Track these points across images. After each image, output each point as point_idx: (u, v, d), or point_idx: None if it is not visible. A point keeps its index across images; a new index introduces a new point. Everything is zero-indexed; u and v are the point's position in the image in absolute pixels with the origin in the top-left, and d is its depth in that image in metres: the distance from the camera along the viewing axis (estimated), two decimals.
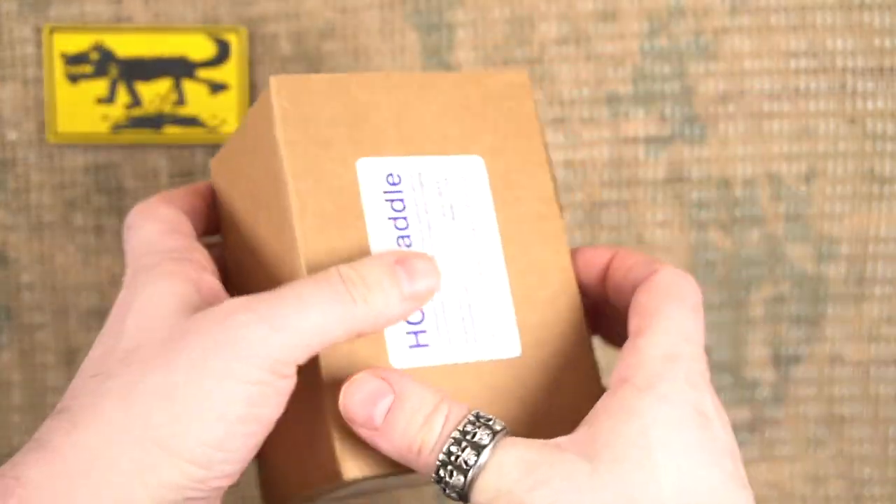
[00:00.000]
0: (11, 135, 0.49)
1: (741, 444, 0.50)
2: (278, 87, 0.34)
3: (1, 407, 0.50)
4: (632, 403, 0.29)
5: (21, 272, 0.50)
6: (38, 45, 0.49)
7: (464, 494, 0.29)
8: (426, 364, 0.33)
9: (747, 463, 0.50)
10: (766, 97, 0.49)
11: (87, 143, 0.49)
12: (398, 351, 0.33)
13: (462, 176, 0.36)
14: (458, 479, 0.28)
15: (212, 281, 0.33)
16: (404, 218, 0.35)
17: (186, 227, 0.36)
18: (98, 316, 0.50)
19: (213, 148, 0.49)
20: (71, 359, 0.50)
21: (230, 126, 0.48)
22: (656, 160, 0.49)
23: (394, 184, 0.35)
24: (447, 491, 0.29)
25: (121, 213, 0.49)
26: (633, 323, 0.32)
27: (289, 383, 0.30)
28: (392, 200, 0.35)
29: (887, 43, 0.48)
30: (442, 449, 0.29)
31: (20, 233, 0.49)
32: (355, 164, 0.34)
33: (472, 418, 0.29)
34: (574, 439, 0.29)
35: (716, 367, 0.50)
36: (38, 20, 0.49)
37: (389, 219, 0.35)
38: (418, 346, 0.33)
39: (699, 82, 0.49)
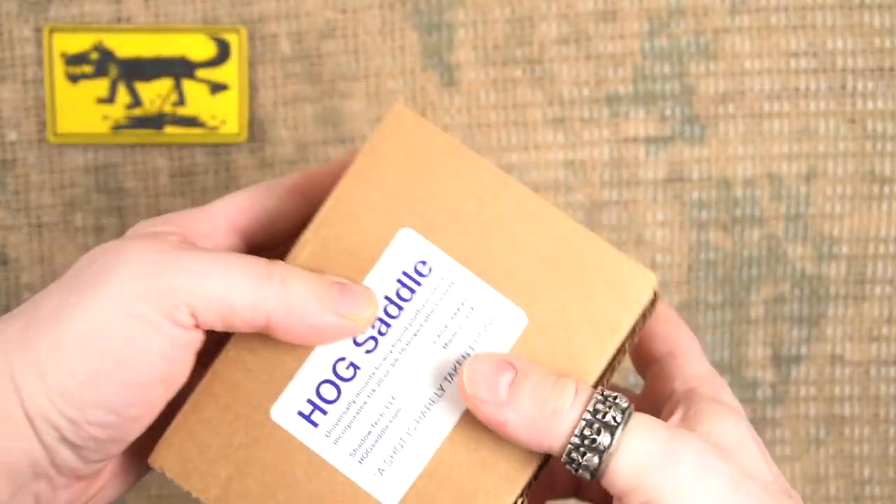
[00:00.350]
0: (11, 135, 0.49)
1: None
2: (394, 118, 0.32)
3: None
4: (720, 410, 0.31)
5: (21, 272, 0.50)
6: (39, 45, 0.49)
7: (597, 474, 0.28)
8: (299, 438, 0.31)
9: None
10: (766, 97, 0.49)
11: (87, 143, 0.49)
12: (285, 405, 0.31)
13: (492, 318, 0.31)
14: (592, 460, 0.28)
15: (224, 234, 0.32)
16: (400, 307, 0.32)
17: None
18: None
19: (213, 148, 0.49)
20: None
21: (230, 126, 0.48)
22: (656, 160, 0.49)
23: (419, 273, 0.32)
24: (579, 471, 0.29)
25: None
26: (661, 344, 0.34)
27: (181, 337, 0.29)
28: (403, 285, 0.32)
29: (887, 43, 0.48)
30: (575, 428, 0.28)
31: (20, 233, 0.49)
32: (398, 230, 0.32)
33: (600, 397, 0.29)
34: (686, 430, 0.30)
35: (716, 367, 0.50)
36: (38, 20, 0.49)
37: (385, 297, 0.31)
38: (306, 417, 0.31)
39: (699, 82, 0.49)
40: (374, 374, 0.32)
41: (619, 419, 0.28)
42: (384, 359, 0.32)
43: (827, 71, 0.49)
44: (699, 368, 0.33)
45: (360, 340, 0.32)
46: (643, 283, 0.31)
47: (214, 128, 0.48)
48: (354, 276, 0.31)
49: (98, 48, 0.48)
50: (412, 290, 0.32)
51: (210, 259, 0.29)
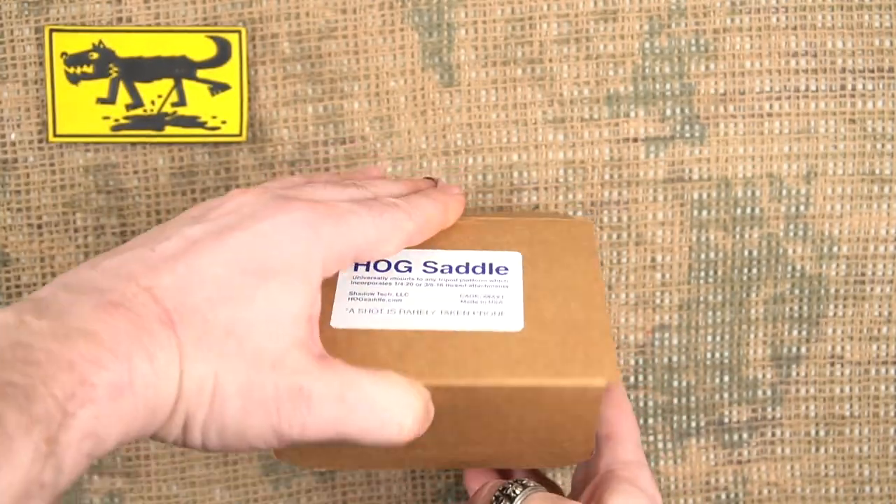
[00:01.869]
0: (12, 135, 0.49)
1: (741, 443, 0.50)
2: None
3: None
4: (627, 492, 0.36)
5: (21, 272, 0.50)
6: (39, 45, 0.49)
7: None
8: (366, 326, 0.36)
9: (748, 463, 0.51)
10: (766, 97, 0.49)
11: (87, 143, 0.49)
12: (339, 312, 0.36)
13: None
14: None
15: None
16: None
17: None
18: None
19: (213, 148, 0.49)
20: None
21: (230, 126, 0.48)
22: (656, 160, 0.49)
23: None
24: None
25: (121, 213, 0.49)
26: (603, 426, 0.40)
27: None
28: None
29: (887, 43, 0.48)
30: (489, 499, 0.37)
31: (20, 233, 0.49)
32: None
33: (511, 482, 0.36)
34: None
35: (716, 367, 0.50)
36: (39, 20, 0.49)
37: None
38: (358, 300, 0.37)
39: (699, 82, 0.49)
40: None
41: (517, 492, 0.36)
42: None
43: (827, 71, 0.49)
44: (627, 455, 0.38)
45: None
46: (584, 222, 0.40)
47: (215, 128, 0.48)
48: None
49: (98, 48, 0.48)
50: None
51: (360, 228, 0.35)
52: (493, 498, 0.36)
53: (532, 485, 0.36)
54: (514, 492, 0.36)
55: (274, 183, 0.38)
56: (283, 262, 0.32)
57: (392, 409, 0.32)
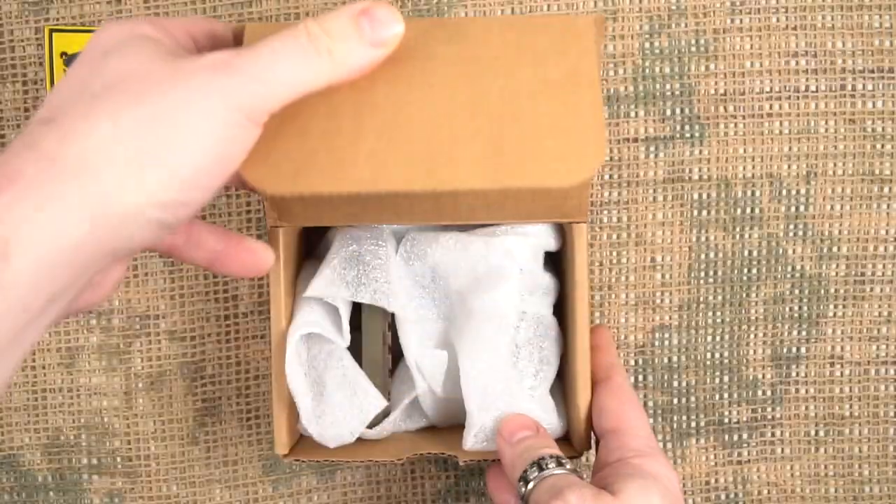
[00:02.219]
0: (12, 135, 0.49)
1: (741, 443, 0.50)
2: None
3: (1, 407, 0.50)
4: (635, 477, 0.37)
5: None
6: (39, 45, 0.49)
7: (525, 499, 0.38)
8: None
9: (748, 463, 0.51)
10: (766, 97, 0.49)
11: None
12: None
13: None
14: (519, 487, 0.39)
15: (186, 39, 0.36)
16: None
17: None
18: (98, 316, 0.50)
19: None
20: (71, 359, 0.50)
21: None
22: (656, 160, 0.49)
23: None
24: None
25: None
26: (607, 420, 0.41)
27: (257, 131, 0.34)
28: None
29: (887, 43, 0.48)
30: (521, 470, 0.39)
31: None
32: None
33: (549, 457, 0.38)
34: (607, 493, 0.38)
35: (716, 367, 0.50)
36: (39, 21, 0.49)
37: None
38: None
39: (699, 82, 0.49)
40: None
41: (549, 466, 0.38)
42: None
43: (827, 71, 0.49)
44: (636, 443, 0.39)
45: None
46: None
47: None
48: None
49: None
50: None
51: (270, 57, 0.34)
52: (530, 465, 0.38)
53: (571, 467, 0.38)
54: (546, 465, 0.38)
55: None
56: None
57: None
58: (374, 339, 0.43)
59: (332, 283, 0.42)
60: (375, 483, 0.51)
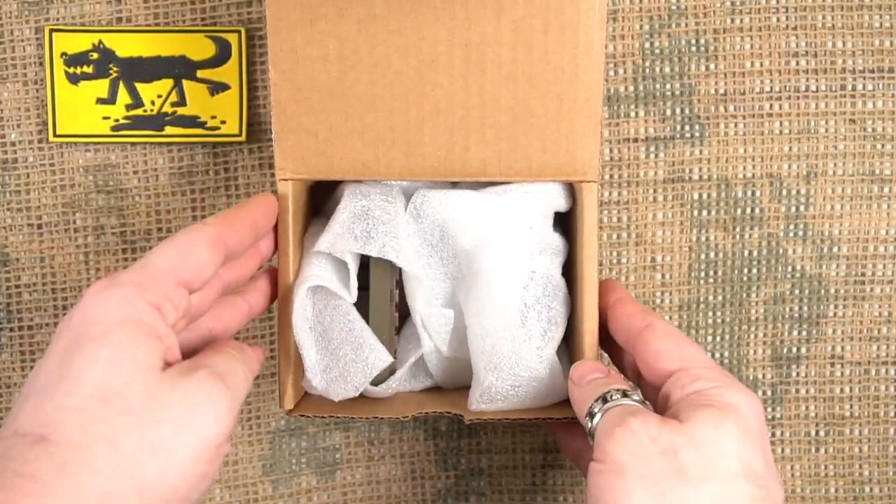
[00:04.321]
0: (12, 135, 0.49)
1: None
2: None
3: (1, 407, 0.50)
4: (705, 408, 0.36)
5: (21, 272, 0.50)
6: (39, 45, 0.49)
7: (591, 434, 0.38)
8: None
9: None
10: (767, 97, 0.49)
11: (87, 143, 0.49)
12: None
13: None
14: (587, 422, 0.38)
15: (170, 337, 0.35)
16: None
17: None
18: None
19: (212, 148, 0.49)
20: None
21: (230, 126, 0.48)
22: (656, 160, 0.49)
23: None
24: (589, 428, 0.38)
25: (121, 213, 0.49)
26: (670, 361, 0.39)
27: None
28: None
29: (887, 43, 0.48)
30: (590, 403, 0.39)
31: (20, 233, 0.49)
32: None
33: (614, 390, 0.38)
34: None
35: None
36: (39, 20, 0.49)
37: None
38: None
39: (699, 82, 0.49)
40: None
41: (616, 398, 0.38)
42: None
43: (827, 71, 0.49)
44: (712, 373, 0.38)
45: None
46: None
47: (214, 128, 0.48)
48: None
49: (98, 48, 0.48)
50: None
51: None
52: (596, 399, 0.38)
53: (639, 398, 0.38)
54: (611, 397, 0.38)
55: None
56: None
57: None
58: (381, 296, 0.43)
59: (340, 237, 0.42)
60: (375, 483, 0.51)
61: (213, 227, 0.38)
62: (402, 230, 0.43)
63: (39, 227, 0.49)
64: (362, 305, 0.43)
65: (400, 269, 0.43)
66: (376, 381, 0.43)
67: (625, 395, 0.38)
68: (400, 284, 0.44)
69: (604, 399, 0.37)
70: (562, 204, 0.43)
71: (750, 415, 0.36)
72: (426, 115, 0.41)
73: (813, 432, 0.50)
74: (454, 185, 0.44)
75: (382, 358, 0.41)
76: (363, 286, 0.43)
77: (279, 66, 0.40)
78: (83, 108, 0.48)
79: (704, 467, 0.34)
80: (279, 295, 0.42)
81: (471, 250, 0.43)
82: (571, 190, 0.43)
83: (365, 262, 0.43)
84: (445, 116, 0.41)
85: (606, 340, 0.42)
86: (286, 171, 0.41)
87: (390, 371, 0.43)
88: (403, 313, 0.45)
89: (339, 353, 0.41)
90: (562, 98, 0.40)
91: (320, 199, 0.46)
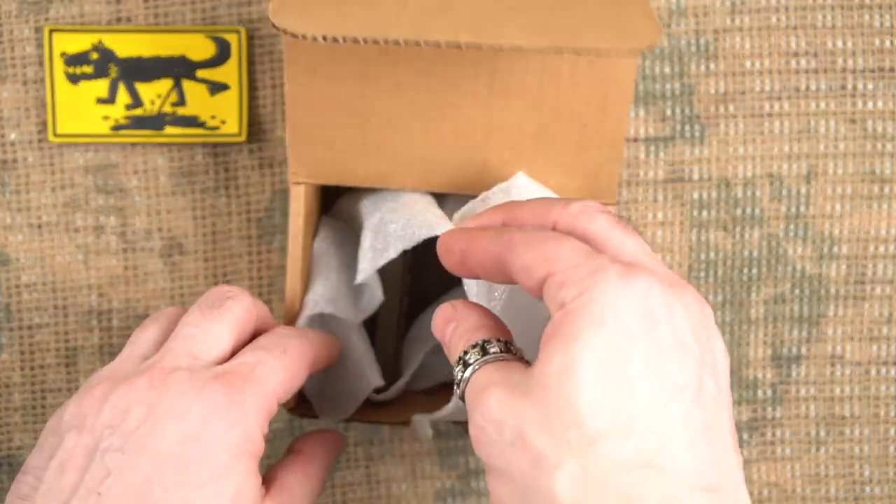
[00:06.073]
0: (11, 135, 0.49)
1: (741, 444, 0.50)
2: None
3: (1, 407, 0.50)
4: (562, 328, 0.29)
5: (21, 272, 0.50)
6: (39, 45, 0.49)
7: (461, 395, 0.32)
8: None
9: (748, 463, 0.50)
10: (767, 97, 0.49)
11: (87, 143, 0.49)
12: None
13: None
14: (458, 373, 0.32)
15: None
16: None
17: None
18: (98, 316, 0.50)
19: (212, 148, 0.49)
20: (71, 359, 0.50)
21: (230, 126, 0.48)
22: (656, 160, 0.49)
23: None
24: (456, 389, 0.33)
25: (121, 213, 0.49)
26: (534, 272, 0.32)
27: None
28: None
29: (887, 43, 0.48)
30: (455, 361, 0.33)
31: (20, 233, 0.49)
32: None
33: (480, 342, 0.32)
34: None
35: None
36: (39, 20, 0.49)
37: None
38: None
39: (699, 82, 0.49)
40: None
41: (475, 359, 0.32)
42: None
43: (827, 71, 0.49)
44: (570, 276, 0.30)
45: None
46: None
47: (214, 128, 0.48)
48: None
49: (98, 48, 0.48)
50: None
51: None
52: (472, 346, 0.32)
53: (492, 352, 0.32)
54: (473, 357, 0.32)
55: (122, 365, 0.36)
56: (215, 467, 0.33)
57: None
58: (390, 308, 0.43)
59: (370, 262, 0.41)
60: (375, 483, 0.51)
61: (316, 349, 0.38)
62: (422, 205, 0.41)
63: (39, 227, 0.49)
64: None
65: (411, 277, 0.43)
66: (378, 390, 0.43)
67: (483, 349, 0.31)
68: (411, 291, 0.44)
69: (464, 363, 0.32)
70: None
71: (627, 320, 0.28)
72: (445, 135, 0.40)
73: (813, 432, 0.50)
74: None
75: (373, 384, 0.42)
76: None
77: (295, 80, 0.39)
78: (83, 108, 0.48)
79: (557, 446, 0.27)
80: (287, 300, 0.42)
81: None
82: None
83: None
84: (465, 137, 0.40)
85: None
86: (299, 175, 0.41)
87: (393, 378, 0.44)
88: (411, 316, 0.45)
89: (335, 375, 0.41)
90: (586, 127, 0.40)
91: (331, 200, 0.46)
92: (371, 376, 0.41)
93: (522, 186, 0.40)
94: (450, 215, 0.41)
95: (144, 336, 0.37)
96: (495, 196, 0.40)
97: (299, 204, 0.41)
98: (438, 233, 0.38)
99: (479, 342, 0.32)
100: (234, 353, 0.36)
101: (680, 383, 0.27)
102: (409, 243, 0.40)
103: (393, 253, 0.40)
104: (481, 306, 0.34)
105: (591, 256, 0.30)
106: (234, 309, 0.36)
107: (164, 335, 0.37)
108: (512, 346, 0.32)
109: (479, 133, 0.40)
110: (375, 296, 0.42)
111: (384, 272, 0.43)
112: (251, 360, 0.35)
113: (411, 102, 0.39)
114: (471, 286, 0.39)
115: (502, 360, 0.31)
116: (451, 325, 0.34)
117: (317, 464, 0.38)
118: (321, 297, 0.41)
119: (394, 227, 0.40)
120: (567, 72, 0.39)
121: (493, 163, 0.40)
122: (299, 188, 0.41)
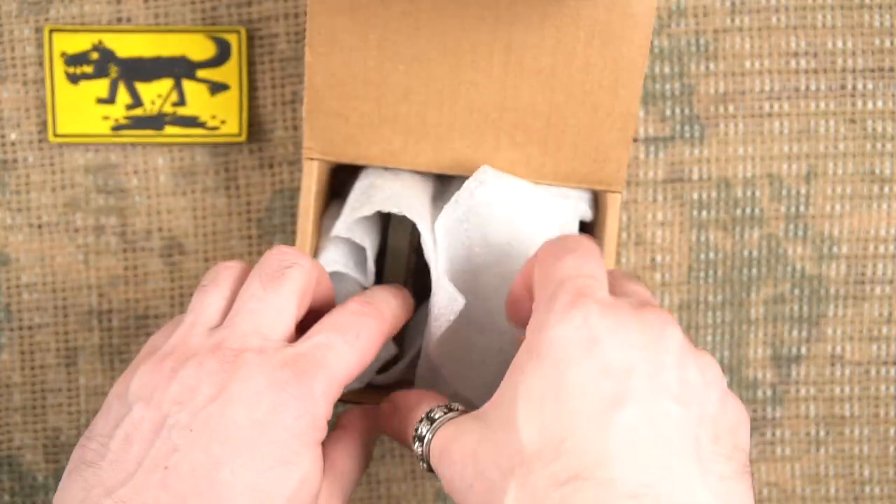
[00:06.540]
0: (12, 135, 0.49)
1: None
2: None
3: (1, 407, 0.50)
4: (513, 363, 0.32)
5: (21, 272, 0.50)
6: (39, 45, 0.49)
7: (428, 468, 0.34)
8: None
9: None
10: (767, 97, 0.49)
11: (87, 143, 0.49)
12: None
13: None
14: (418, 449, 0.35)
15: None
16: None
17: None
18: (98, 316, 0.50)
19: (212, 148, 0.49)
20: (71, 359, 0.50)
21: (230, 126, 0.48)
22: (656, 160, 0.49)
23: None
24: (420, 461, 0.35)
25: (121, 213, 0.49)
26: (514, 304, 0.37)
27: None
28: None
29: (887, 43, 0.48)
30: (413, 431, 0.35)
31: (20, 233, 0.49)
32: None
33: (424, 416, 0.35)
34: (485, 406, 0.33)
35: None
36: (39, 20, 0.49)
37: None
38: None
39: (699, 82, 0.49)
40: None
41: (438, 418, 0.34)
42: None
43: (827, 71, 0.49)
44: (536, 306, 0.33)
45: None
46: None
47: (214, 128, 0.48)
48: None
49: (98, 48, 0.48)
50: None
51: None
52: (425, 415, 0.35)
53: (447, 412, 0.35)
54: (436, 415, 0.35)
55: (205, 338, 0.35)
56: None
57: None
58: (397, 260, 0.44)
59: (348, 216, 0.41)
60: (375, 483, 0.51)
61: (390, 325, 0.38)
62: (416, 190, 0.42)
63: (39, 227, 0.49)
64: (378, 272, 0.44)
65: (416, 257, 0.43)
66: (381, 370, 0.43)
67: (430, 419, 0.35)
68: (416, 272, 0.44)
69: (419, 438, 0.35)
70: (588, 214, 0.43)
71: (565, 346, 0.30)
72: (459, 112, 0.40)
73: (813, 432, 0.50)
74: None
75: (386, 351, 0.42)
76: (381, 269, 0.44)
77: (316, 49, 0.40)
78: (83, 108, 0.48)
79: (504, 477, 0.29)
80: None
81: (497, 242, 0.42)
82: (596, 202, 0.44)
83: (382, 244, 0.44)
84: (478, 115, 0.41)
85: None
86: (313, 151, 0.41)
87: (395, 359, 0.44)
88: (415, 296, 0.44)
89: None
90: (597, 109, 0.40)
91: (340, 184, 0.46)
92: (387, 343, 0.41)
93: (491, 181, 0.40)
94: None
95: (207, 301, 0.36)
96: (463, 196, 0.40)
97: (311, 181, 0.41)
98: (416, 221, 0.40)
99: (424, 416, 0.35)
100: (298, 321, 0.36)
101: (620, 397, 0.29)
102: (387, 208, 0.40)
103: (368, 210, 0.40)
104: (414, 390, 0.38)
105: (555, 282, 0.32)
106: (295, 277, 0.36)
107: (227, 302, 0.36)
108: (453, 405, 0.35)
109: (492, 112, 0.40)
110: (370, 269, 0.42)
111: (390, 252, 0.43)
112: (323, 343, 0.35)
113: (429, 77, 0.40)
114: (438, 296, 0.40)
115: (450, 419, 0.34)
116: (395, 418, 0.37)
117: (362, 440, 0.38)
118: (333, 260, 0.41)
119: (380, 194, 0.41)
120: (581, 52, 0.40)
121: (505, 144, 0.40)
122: (312, 164, 0.41)
